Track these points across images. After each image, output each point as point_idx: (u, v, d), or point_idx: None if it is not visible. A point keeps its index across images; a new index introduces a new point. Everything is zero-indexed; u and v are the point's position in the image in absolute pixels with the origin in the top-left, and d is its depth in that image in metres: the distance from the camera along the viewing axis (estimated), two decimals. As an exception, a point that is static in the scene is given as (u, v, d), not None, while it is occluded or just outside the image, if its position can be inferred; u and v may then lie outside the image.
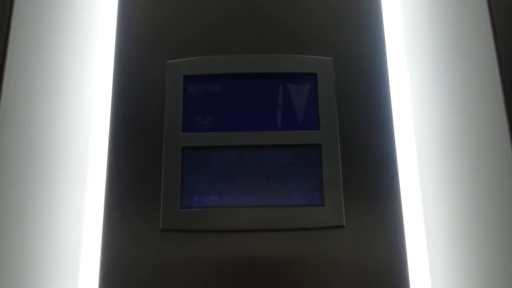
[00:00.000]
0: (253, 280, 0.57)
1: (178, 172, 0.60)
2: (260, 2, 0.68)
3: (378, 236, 0.59)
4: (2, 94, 0.53)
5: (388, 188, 0.61)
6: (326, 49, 0.66)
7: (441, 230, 0.65)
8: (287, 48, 0.66)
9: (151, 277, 0.57)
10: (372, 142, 0.62)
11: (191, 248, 0.58)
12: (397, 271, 0.58)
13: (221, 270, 0.57)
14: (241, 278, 0.57)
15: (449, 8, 0.69)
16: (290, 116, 0.63)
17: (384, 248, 0.58)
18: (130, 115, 0.63)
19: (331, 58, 0.65)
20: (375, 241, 0.59)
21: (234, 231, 0.58)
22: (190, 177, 0.60)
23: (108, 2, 0.74)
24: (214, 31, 0.66)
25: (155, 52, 0.65)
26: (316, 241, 0.58)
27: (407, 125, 0.69)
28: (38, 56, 0.62)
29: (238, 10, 0.67)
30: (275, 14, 0.67)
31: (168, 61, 0.64)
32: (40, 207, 0.61)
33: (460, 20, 0.66)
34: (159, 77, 0.64)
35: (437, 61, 0.71)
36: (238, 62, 0.65)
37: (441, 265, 0.64)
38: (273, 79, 0.64)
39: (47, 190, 0.62)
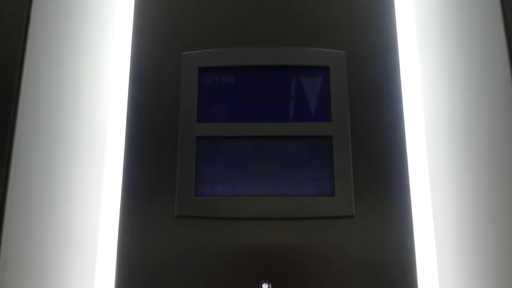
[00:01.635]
0: (263, 267, 0.59)
1: (193, 161, 0.62)
2: (274, -4, 0.68)
3: (386, 226, 0.60)
4: (21, 90, 0.54)
5: (398, 179, 0.62)
6: (338, 43, 0.66)
7: (450, 222, 0.65)
8: (300, 41, 0.67)
9: (167, 262, 0.59)
10: (383, 134, 0.63)
11: (205, 234, 0.60)
12: (405, 261, 0.59)
13: (232, 256, 0.59)
14: (251, 264, 0.59)
15: (461, 2, 0.69)
16: (302, 108, 0.64)
17: (392, 238, 0.60)
18: (147, 106, 0.65)
19: (343, 52, 0.66)
20: (384, 231, 0.60)
21: (246, 219, 0.60)
22: (204, 166, 0.62)
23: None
24: (229, 24, 0.67)
25: (170, 44, 0.67)
26: (326, 230, 0.60)
27: (417, 118, 0.70)
28: (55, 49, 0.63)
29: (252, 3, 0.68)
30: (289, 7, 0.68)
31: (183, 53, 0.66)
32: (60, 195, 0.63)
33: (472, 13, 0.66)
34: (175, 68, 0.65)
35: (449, 55, 0.71)
36: (252, 55, 0.66)
37: (449, 256, 0.65)
38: (286, 71, 0.65)
39: (67, 179, 0.64)
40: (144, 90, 0.66)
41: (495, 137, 0.59)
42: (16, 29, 0.55)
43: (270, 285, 0.58)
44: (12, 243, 0.50)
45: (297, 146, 0.62)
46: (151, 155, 0.63)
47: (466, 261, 0.63)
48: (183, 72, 0.65)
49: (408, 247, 0.60)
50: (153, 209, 0.61)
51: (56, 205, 0.62)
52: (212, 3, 0.68)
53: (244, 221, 0.60)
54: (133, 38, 0.68)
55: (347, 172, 0.61)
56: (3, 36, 0.54)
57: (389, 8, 0.69)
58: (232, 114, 0.64)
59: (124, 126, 0.65)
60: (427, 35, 0.75)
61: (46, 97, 0.60)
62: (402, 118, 0.65)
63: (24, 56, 0.55)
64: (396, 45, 0.67)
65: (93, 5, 0.73)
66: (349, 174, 0.61)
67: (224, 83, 0.65)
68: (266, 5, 0.68)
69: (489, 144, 0.60)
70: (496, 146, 0.58)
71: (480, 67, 0.63)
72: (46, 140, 0.60)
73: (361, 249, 0.59)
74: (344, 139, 0.63)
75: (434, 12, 0.75)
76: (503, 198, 0.57)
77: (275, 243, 0.60)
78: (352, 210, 0.60)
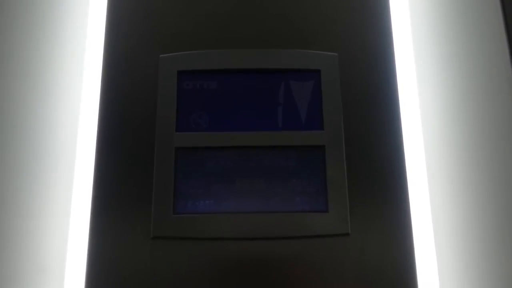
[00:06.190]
0: (251, 292, 0.53)
1: (171, 174, 0.56)
2: (260, -7, 0.64)
3: (385, 245, 0.55)
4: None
5: (397, 193, 0.57)
6: (330, 44, 0.62)
7: (452, 238, 0.61)
8: (289, 42, 0.62)
9: (141, 289, 0.53)
10: (379, 143, 0.59)
11: (185, 257, 0.54)
12: (406, 281, 0.54)
13: (217, 281, 0.54)
14: (238, 290, 0.53)
15: (458, 4, 0.66)
16: (292, 116, 0.59)
17: (391, 257, 0.55)
18: (120, 113, 0.59)
19: (335, 54, 0.61)
20: (382, 250, 0.55)
21: (231, 239, 0.55)
22: (184, 180, 0.56)
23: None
24: (211, 24, 0.62)
25: (147, 46, 0.61)
26: (319, 250, 0.55)
27: (416, 125, 0.66)
28: (22, 49, 0.58)
29: (237, 1, 0.63)
30: (276, 6, 0.63)
31: (161, 55, 0.61)
32: (23, 213, 0.57)
33: (469, 11, 0.63)
34: (151, 72, 0.60)
35: (446, 56, 0.67)
36: (237, 57, 0.61)
37: (452, 275, 0.60)
38: (274, 75, 0.60)
39: (30, 194, 0.58)
40: (117, 96, 0.60)
41: (495, 141, 0.55)
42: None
43: (258, 312, 0.53)
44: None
45: (286, 157, 0.57)
46: (124, 169, 0.57)
47: (469, 279, 0.59)
48: (160, 76, 0.60)
49: (408, 266, 0.55)
50: (127, 229, 0.55)
51: (20, 226, 0.56)
52: (194, 1, 0.63)
53: (229, 241, 0.54)
54: (106, 39, 0.62)
55: (341, 185, 0.56)
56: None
57: (384, 6, 0.65)
58: (215, 122, 0.58)
59: (94, 136, 0.59)
60: (424, 34, 0.71)
61: (10, 106, 0.54)
62: (399, 125, 0.60)
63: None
64: (391, 46, 0.63)
65: (62, 3, 0.67)
66: (344, 188, 0.56)
67: (206, 88, 0.60)
68: (253, 4, 0.63)
69: (489, 148, 0.56)
70: (498, 152, 0.54)
71: (479, 67, 0.60)
72: (10, 152, 0.54)
73: (357, 271, 0.54)
74: (337, 149, 0.58)
75: (430, 11, 0.71)
76: (508, 212, 0.53)
77: (263, 265, 0.54)
78: (347, 228, 0.55)
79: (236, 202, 0.56)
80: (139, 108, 0.59)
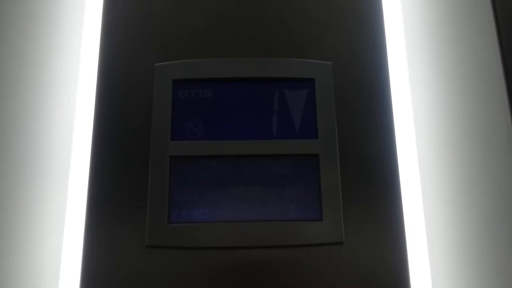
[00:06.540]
0: (245, 300, 0.53)
1: (166, 183, 0.56)
2: (255, 3, 0.64)
3: (379, 253, 0.55)
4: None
5: (390, 201, 0.57)
6: (324, 53, 0.62)
7: (446, 245, 0.61)
8: (284, 51, 0.62)
9: (135, 299, 0.53)
10: (373, 151, 0.59)
11: (179, 266, 0.54)
12: (399, 289, 0.55)
13: (211, 290, 0.54)
14: (233, 298, 0.53)
15: (450, 11, 0.66)
16: (286, 124, 0.59)
17: (385, 266, 0.55)
18: (115, 122, 0.59)
19: (329, 62, 0.62)
20: (376, 259, 0.55)
21: (226, 248, 0.55)
22: (179, 189, 0.56)
23: (93, 0, 0.69)
24: (206, 33, 0.63)
25: (142, 54, 0.61)
26: (314, 258, 0.55)
27: (409, 132, 0.66)
28: (17, 54, 0.58)
29: (232, 10, 0.64)
30: (271, 16, 0.64)
31: (156, 64, 0.61)
32: (17, 218, 0.57)
33: (462, 22, 0.64)
34: (147, 81, 0.60)
35: (439, 65, 0.68)
36: (231, 66, 0.61)
37: (445, 282, 0.61)
38: (269, 84, 0.61)
39: (27, 203, 0.58)
40: (112, 104, 0.60)
41: (489, 149, 0.55)
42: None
43: (252, 321, 0.53)
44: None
45: (281, 165, 0.57)
46: (119, 177, 0.57)
47: (462, 287, 0.59)
48: (155, 85, 0.60)
49: (402, 275, 0.55)
50: (121, 238, 0.55)
51: (14, 231, 0.55)
52: (188, 11, 0.64)
53: (224, 250, 0.54)
54: (101, 48, 0.62)
55: (335, 194, 0.56)
56: None
57: (377, 16, 0.65)
58: (210, 131, 0.58)
59: (89, 144, 0.59)
60: (417, 44, 0.71)
61: (3, 119, 0.54)
62: (393, 132, 0.61)
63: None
64: (385, 54, 0.64)
65: (57, 11, 0.67)
66: (338, 196, 0.56)
67: (201, 97, 0.60)
68: (248, 14, 0.64)
69: (483, 157, 0.57)
70: (495, 163, 0.55)
71: (472, 73, 0.60)
72: (6, 160, 0.54)
73: (351, 279, 0.54)
74: (331, 157, 0.58)
75: (423, 21, 0.72)
76: (501, 221, 0.53)
77: (257, 274, 0.54)
78: (341, 236, 0.55)
79: (231, 211, 0.56)
80: (134, 117, 0.59)
